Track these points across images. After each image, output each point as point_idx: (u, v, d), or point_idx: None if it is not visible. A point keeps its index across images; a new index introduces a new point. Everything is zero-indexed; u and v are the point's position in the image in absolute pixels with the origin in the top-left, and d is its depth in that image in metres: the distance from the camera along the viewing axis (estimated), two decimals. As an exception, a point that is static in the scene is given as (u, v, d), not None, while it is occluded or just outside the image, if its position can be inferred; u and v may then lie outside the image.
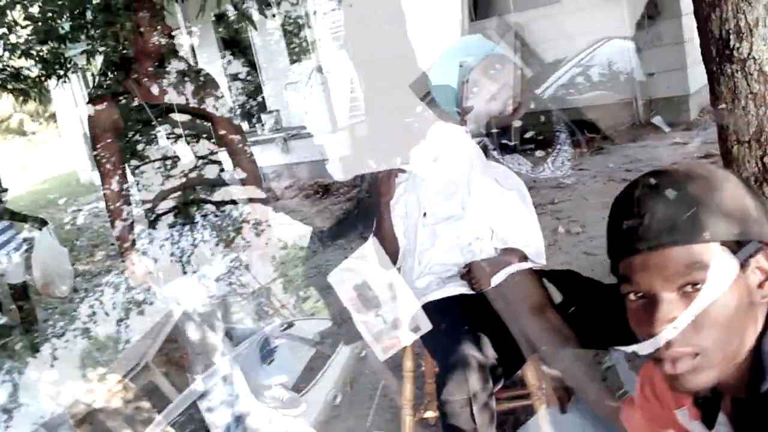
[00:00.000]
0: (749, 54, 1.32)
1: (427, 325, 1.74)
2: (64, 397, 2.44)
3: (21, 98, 3.73)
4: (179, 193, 2.17)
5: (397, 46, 4.39)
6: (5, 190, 3.93)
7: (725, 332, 0.74)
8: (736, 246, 0.74)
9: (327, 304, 2.93)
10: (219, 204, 2.24)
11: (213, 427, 2.17)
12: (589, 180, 4.52)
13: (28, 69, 3.28)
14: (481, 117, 1.90)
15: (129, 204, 2.18)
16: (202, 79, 2.23)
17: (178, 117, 2.13)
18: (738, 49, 1.32)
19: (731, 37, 1.32)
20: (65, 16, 2.61)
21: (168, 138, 2.09)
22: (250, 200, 2.26)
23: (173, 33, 2.18)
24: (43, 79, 3.39)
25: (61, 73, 3.24)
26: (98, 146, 2.13)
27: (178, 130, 2.13)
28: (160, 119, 2.11)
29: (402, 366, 1.86)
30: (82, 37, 2.58)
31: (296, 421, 2.30)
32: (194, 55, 6.72)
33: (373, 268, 1.81)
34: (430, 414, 1.99)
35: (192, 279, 2.17)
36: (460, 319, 1.68)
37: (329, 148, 6.42)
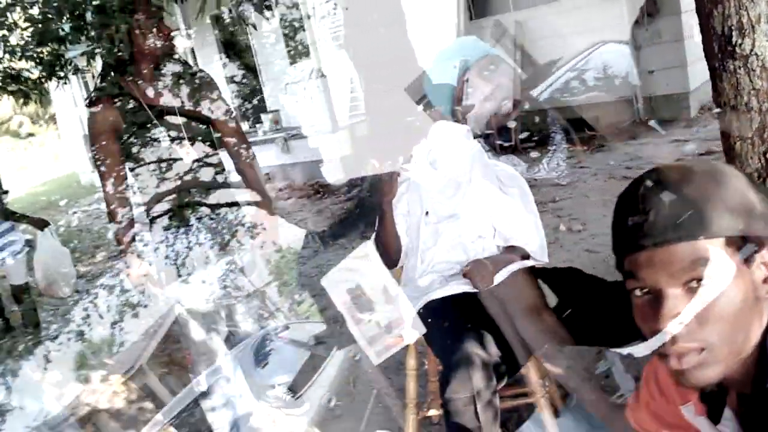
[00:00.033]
0: (752, 50, 1.32)
1: (429, 324, 1.75)
2: (61, 398, 2.44)
3: (21, 100, 3.73)
4: (181, 194, 2.17)
5: (397, 46, 4.39)
6: (6, 192, 3.94)
7: (731, 327, 0.74)
8: (741, 242, 0.74)
9: (328, 305, 2.93)
10: (221, 206, 2.24)
11: (216, 427, 2.17)
12: (589, 178, 4.52)
13: (28, 71, 3.28)
14: (480, 116, 1.91)
15: (129, 206, 2.17)
16: (201, 80, 2.23)
17: (179, 117, 2.13)
18: (740, 45, 1.32)
19: (734, 33, 1.32)
20: (65, 18, 2.61)
21: (171, 139, 2.08)
22: (256, 201, 2.26)
23: (172, 34, 2.18)
24: (43, 80, 3.39)
25: (62, 74, 3.24)
26: (97, 148, 2.12)
27: (177, 131, 2.13)
28: (160, 120, 2.10)
29: (405, 364, 1.86)
30: (83, 38, 2.58)
31: (299, 421, 2.30)
32: (194, 56, 6.72)
33: (368, 271, 1.81)
34: (434, 412, 2.00)
35: (195, 280, 2.17)
36: (463, 318, 1.68)
37: (329, 148, 6.42)
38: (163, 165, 2.13)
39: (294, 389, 2.45)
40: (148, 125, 2.10)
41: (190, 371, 2.20)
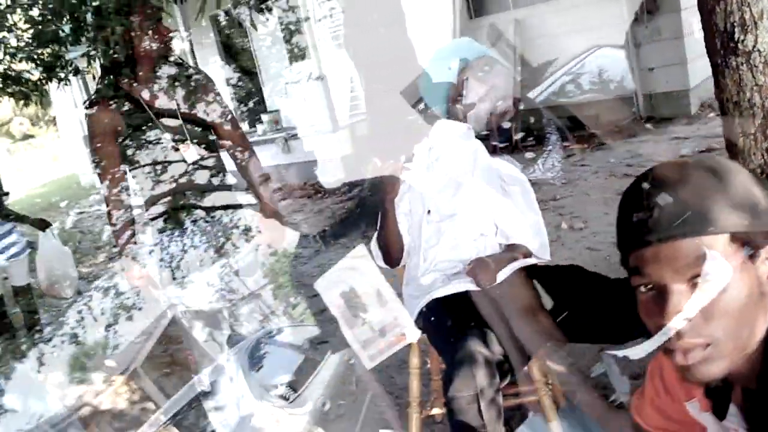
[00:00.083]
0: (754, 46, 1.32)
1: (432, 322, 1.75)
2: (61, 398, 2.44)
3: (22, 102, 3.73)
4: (177, 196, 2.16)
5: (397, 46, 4.39)
6: (6, 194, 3.93)
7: (736, 323, 0.74)
8: (745, 237, 0.74)
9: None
10: (223, 207, 2.23)
11: (219, 427, 2.17)
12: (590, 176, 4.52)
13: (29, 72, 3.28)
14: (480, 115, 1.90)
15: (129, 208, 2.17)
16: (199, 81, 2.22)
17: (180, 118, 2.12)
18: (743, 41, 1.32)
19: (736, 29, 1.32)
20: (65, 19, 2.61)
21: (174, 140, 2.08)
22: (259, 201, 2.26)
23: (171, 35, 2.17)
24: (43, 81, 3.39)
25: (62, 75, 3.24)
26: (97, 150, 2.11)
27: (179, 132, 2.12)
28: (160, 121, 2.10)
29: (408, 363, 1.86)
30: (83, 39, 2.58)
31: (303, 420, 2.30)
32: (193, 57, 6.72)
33: (362, 275, 1.80)
34: (437, 411, 2.00)
35: (196, 282, 2.17)
36: (466, 316, 1.68)
37: (330, 148, 6.42)
38: (164, 166, 2.12)
39: (291, 391, 2.45)
40: (148, 127, 2.09)
41: (193, 372, 2.20)
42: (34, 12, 2.80)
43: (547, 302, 1.64)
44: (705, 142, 4.47)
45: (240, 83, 8.17)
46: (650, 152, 4.62)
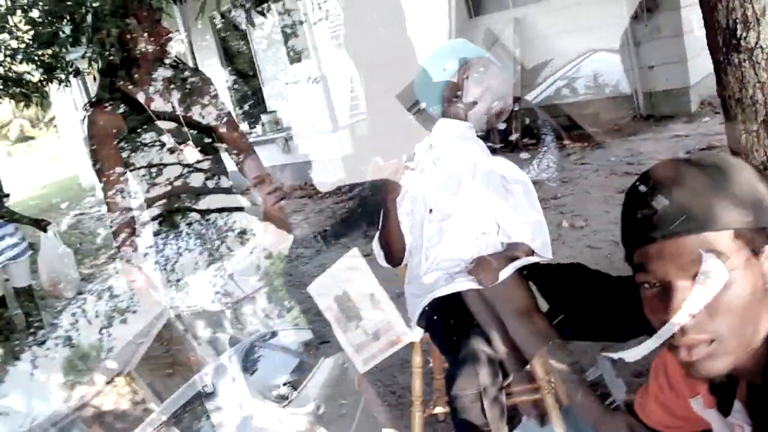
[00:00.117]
0: (757, 43, 1.32)
1: (435, 321, 1.75)
2: (52, 400, 2.44)
3: (22, 103, 3.73)
4: (178, 198, 2.16)
5: (397, 46, 4.39)
6: (7, 195, 3.94)
7: (740, 319, 0.75)
8: (749, 234, 0.74)
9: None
10: (224, 210, 2.23)
11: (221, 427, 2.17)
12: (591, 174, 4.53)
13: (29, 74, 3.28)
14: (480, 115, 1.91)
15: (130, 210, 2.16)
16: (199, 82, 2.22)
17: (179, 119, 2.12)
18: (745, 38, 1.32)
19: (738, 26, 1.32)
20: (65, 20, 2.61)
21: (177, 142, 2.08)
22: (263, 201, 2.25)
23: (171, 35, 2.17)
24: (44, 83, 3.39)
25: (63, 77, 3.24)
26: (97, 153, 2.10)
27: (179, 133, 2.12)
28: (160, 122, 2.10)
29: (411, 362, 1.86)
30: (83, 40, 2.58)
31: (306, 419, 2.30)
32: (193, 57, 6.72)
33: (356, 279, 1.80)
34: (440, 410, 2.00)
35: (198, 283, 2.16)
36: (469, 314, 1.68)
37: (330, 147, 6.43)
38: (163, 168, 2.12)
39: (290, 392, 2.44)
40: (148, 128, 2.09)
41: (189, 374, 2.20)
42: (34, 13, 2.80)
43: (543, 303, 1.65)
44: (705, 140, 4.48)
45: (239, 84, 8.18)
46: (650, 150, 4.62)
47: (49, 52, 2.95)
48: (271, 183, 2.27)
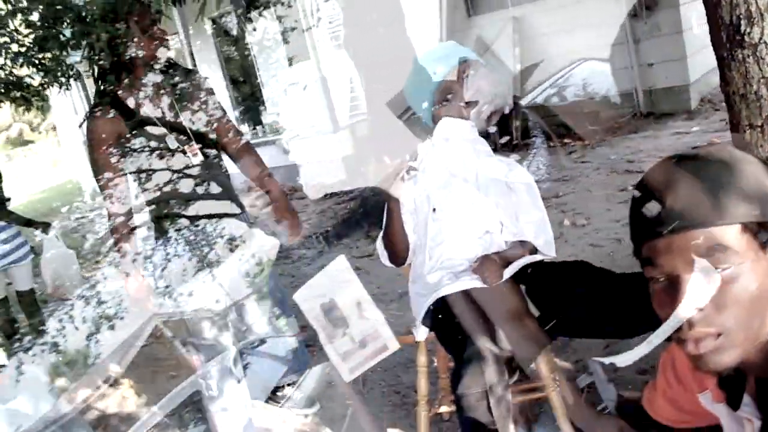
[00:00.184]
0: (761, 38, 1.32)
1: (440, 320, 1.74)
2: (47, 401, 2.44)
3: (22, 107, 3.72)
4: (166, 205, 2.15)
5: (397, 46, 4.40)
6: (8, 199, 3.93)
7: (747, 313, 0.75)
8: (757, 227, 0.74)
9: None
10: (224, 215, 2.23)
11: (223, 428, 2.17)
12: (592, 172, 4.53)
13: (30, 77, 3.28)
14: (481, 114, 1.90)
15: (129, 214, 2.15)
16: (199, 83, 2.22)
17: (179, 122, 2.12)
18: (749, 34, 1.33)
19: (742, 22, 1.32)
20: (66, 23, 2.61)
21: (180, 143, 2.08)
22: (269, 195, 2.25)
23: (168, 38, 2.16)
24: (44, 87, 3.39)
25: (63, 80, 3.23)
26: (96, 159, 2.09)
27: (181, 135, 2.12)
28: (160, 127, 2.10)
29: (416, 361, 1.86)
30: (84, 43, 2.58)
31: (310, 420, 2.30)
32: (192, 58, 6.72)
33: (342, 286, 1.79)
34: (445, 409, 2.00)
35: (198, 285, 2.16)
36: (473, 313, 1.68)
37: (330, 148, 6.42)
38: (163, 173, 2.11)
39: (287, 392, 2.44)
40: (147, 133, 2.08)
41: (181, 378, 2.20)
42: (34, 17, 2.79)
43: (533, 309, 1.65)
44: (706, 137, 4.48)
45: (239, 85, 8.18)
46: (651, 148, 4.63)
47: (49, 55, 2.94)
48: (272, 181, 2.27)
